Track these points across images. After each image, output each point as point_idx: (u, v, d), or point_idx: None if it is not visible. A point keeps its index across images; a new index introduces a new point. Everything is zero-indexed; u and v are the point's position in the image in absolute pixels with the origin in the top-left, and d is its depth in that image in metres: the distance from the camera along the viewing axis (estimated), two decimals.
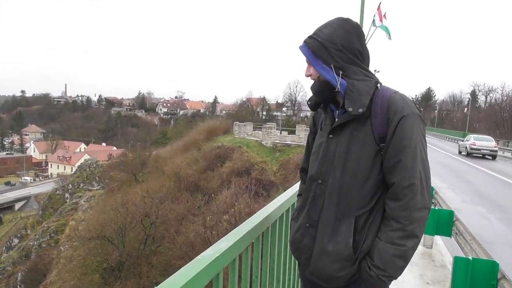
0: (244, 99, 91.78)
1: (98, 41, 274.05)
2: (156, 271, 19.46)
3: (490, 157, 24.01)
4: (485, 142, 24.28)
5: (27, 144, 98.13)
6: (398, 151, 1.48)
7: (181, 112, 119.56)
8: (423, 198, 1.48)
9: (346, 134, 1.56)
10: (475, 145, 23.77)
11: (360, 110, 1.50)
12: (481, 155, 23.82)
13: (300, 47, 1.60)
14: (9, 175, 76.03)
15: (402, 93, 1.58)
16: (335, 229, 1.56)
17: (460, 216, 5.33)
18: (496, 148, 24.63)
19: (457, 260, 3.16)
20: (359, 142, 1.53)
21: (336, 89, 1.55)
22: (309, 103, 1.75)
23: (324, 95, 1.62)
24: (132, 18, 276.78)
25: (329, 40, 1.54)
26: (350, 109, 1.51)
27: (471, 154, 23.95)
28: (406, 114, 1.49)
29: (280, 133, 33.08)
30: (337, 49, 1.54)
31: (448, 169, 17.22)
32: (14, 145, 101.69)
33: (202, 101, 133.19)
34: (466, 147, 24.55)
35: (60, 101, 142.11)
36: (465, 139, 26.65)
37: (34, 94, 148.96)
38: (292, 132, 34.07)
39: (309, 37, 1.59)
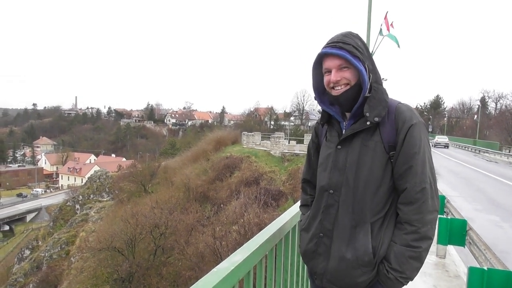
0: (252, 109, 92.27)
1: (107, 53, 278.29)
2: (166, 282, 19.41)
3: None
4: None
5: (39, 156, 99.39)
6: (409, 158, 1.56)
7: (190, 123, 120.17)
8: (433, 201, 1.57)
9: (356, 145, 1.61)
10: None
11: (376, 119, 1.57)
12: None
13: (334, 51, 1.58)
14: (21, 187, 76.94)
15: (405, 103, 1.66)
16: (352, 237, 1.61)
17: (473, 225, 5.26)
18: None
19: (472, 271, 3.12)
20: (370, 151, 1.59)
21: (366, 94, 1.58)
22: (322, 122, 1.78)
23: (352, 103, 1.62)
24: (140, 30, 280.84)
25: (356, 45, 1.59)
26: (367, 114, 1.57)
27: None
28: (414, 123, 1.58)
29: (289, 143, 33.00)
30: (364, 54, 1.60)
31: (459, 177, 17.02)
32: (26, 157, 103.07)
33: (210, 112, 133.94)
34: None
35: (70, 113, 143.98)
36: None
37: (45, 107, 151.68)
38: (300, 141, 34.01)
39: (334, 43, 1.59)
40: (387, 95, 1.64)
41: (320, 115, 1.79)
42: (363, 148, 1.60)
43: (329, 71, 1.61)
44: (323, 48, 1.62)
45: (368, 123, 1.57)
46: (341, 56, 1.56)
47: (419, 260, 1.56)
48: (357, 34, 1.64)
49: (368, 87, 1.58)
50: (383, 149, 1.58)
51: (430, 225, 1.55)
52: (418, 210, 1.54)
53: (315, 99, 1.75)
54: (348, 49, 1.56)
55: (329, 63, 1.61)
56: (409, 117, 1.58)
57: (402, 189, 1.58)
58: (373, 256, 1.57)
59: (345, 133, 1.65)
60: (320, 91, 1.72)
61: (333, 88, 1.62)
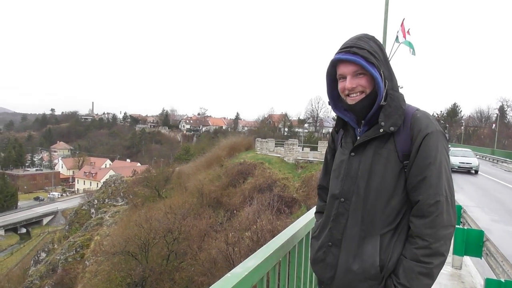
0: (266, 116, 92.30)
1: (124, 60, 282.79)
2: (179, 287, 19.45)
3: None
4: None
5: (56, 161, 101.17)
6: (423, 168, 1.48)
7: (204, 129, 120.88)
8: (448, 216, 1.47)
9: (369, 152, 1.56)
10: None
11: (392, 129, 1.51)
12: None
13: (348, 57, 1.51)
14: (38, 191, 78.51)
15: (424, 110, 1.58)
16: (360, 248, 1.55)
17: (490, 236, 5.16)
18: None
19: (488, 282, 3.07)
20: (383, 160, 1.53)
21: (381, 103, 1.52)
22: (337, 128, 1.74)
23: (367, 111, 1.56)
24: (157, 37, 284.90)
25: (371, 49, 1.52)
26: (383, 124, 1.51)
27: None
28: (430, 131, 1.49)
29: (302, 150, 32.89)
30: (380, 59, 1.54)
31: (476, 186, 16.70)
32: (43, 162, 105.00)
33: (224, 118, 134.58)
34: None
35: (87, 118, 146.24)
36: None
37: (63, 112, 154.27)
38: (314, 148, 33.86)
39: (348, 48, 1.53)
40: (404, 102, 1.56)
41: (334, 122, 1.77)
42: (376, 156, 1.54)
43: (344, 77, 1.55)
44: (336, 53, 1.56)
45: (381, 130, 1.51)
46: (356, 62, 1.50)
47: (430, 277, 1.46)
48: (372, 36, 1.57)
49: (384, 94, 1.51)
50: (397, 158, 1.51)
51: (444, 240, 1.46)
52: (430, 224, 1.45)
53: (329, 104, 1.70)
54: (362, 55, 1.49)
55: (343, 69, 1.55)
56: (425, 125, 1.50)
57: (415, 201, 1.50)
58: (379, 270, 1.50)
59: (358, 140, 1.59)
60: (335, 97, 1.67)
61: (348, 95, 1.56)
